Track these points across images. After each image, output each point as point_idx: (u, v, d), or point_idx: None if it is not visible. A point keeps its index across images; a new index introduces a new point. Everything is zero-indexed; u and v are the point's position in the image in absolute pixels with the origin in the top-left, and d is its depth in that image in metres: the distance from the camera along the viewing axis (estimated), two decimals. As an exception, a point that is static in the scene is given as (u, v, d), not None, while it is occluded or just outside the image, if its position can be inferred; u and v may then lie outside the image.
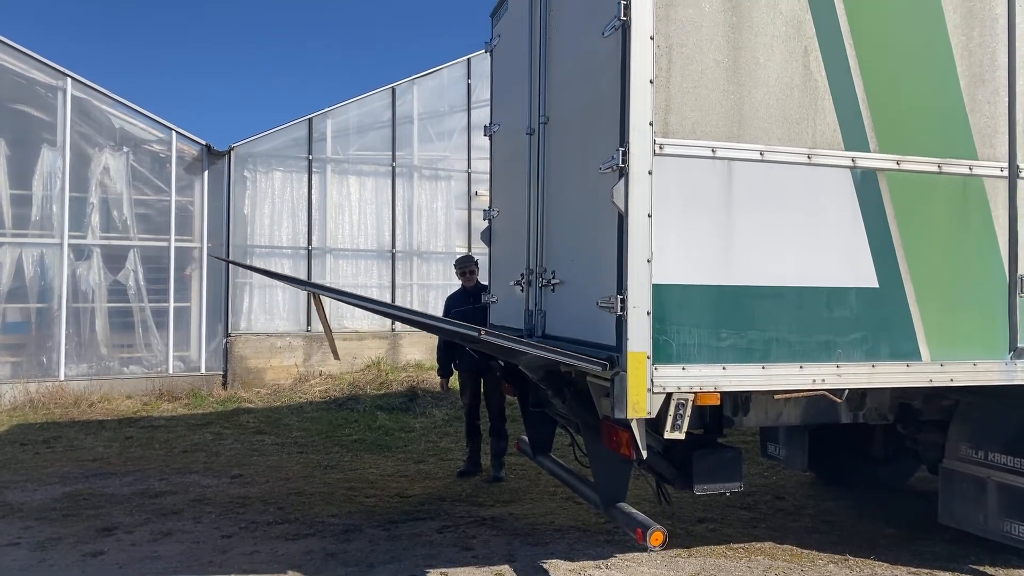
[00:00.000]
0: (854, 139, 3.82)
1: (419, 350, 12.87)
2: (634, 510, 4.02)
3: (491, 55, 6.10)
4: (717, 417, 4.10)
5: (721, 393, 3.69)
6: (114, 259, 11.34)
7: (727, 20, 3.66)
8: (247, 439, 8.52)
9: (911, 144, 3.91)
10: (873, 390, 4.24)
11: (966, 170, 3.98)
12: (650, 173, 3.48)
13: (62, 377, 10.85)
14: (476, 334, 3.64)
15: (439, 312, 7.97)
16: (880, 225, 3.84)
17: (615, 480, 4.23)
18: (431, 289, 13.36)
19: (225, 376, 11.82)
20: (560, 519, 5.53)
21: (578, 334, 4.03)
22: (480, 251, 6.60)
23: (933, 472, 5.05)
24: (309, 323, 12.42)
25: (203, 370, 11.74)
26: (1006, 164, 4.05)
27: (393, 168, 13.16)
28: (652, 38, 3.52)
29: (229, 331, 11.93)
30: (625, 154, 3.46)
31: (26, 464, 7.32)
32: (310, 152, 12.62)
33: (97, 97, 11.29)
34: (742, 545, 4.98)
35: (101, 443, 8.30)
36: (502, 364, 5.60)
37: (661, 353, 3.50)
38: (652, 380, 3.47)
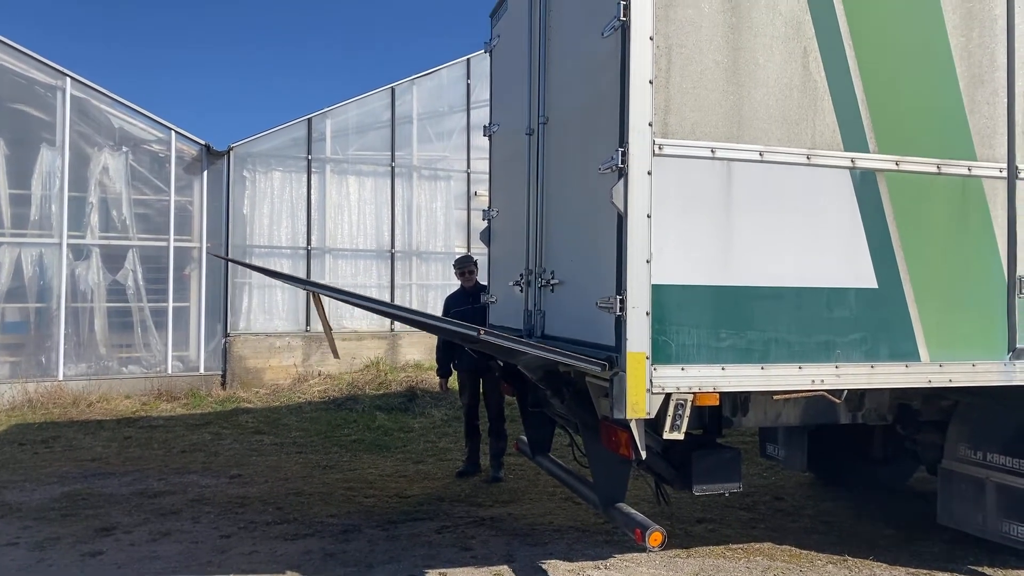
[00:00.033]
0: (853, 140, 3.83)
1: (418, 350, 12.87)
2: (633, 510, 4.02)
3: (490, 55, 6.10)
4: (716, 417, 4.10)
5: (720, 393, 3.69)
6: (113, 259, 11.34)
7: (726, 21, 3.66)
8: (246, 439, 8.52)
9: (910, 145, 3.91)
10: (872, 391, 4.24)
11: (965, 171, 3.99)
12: (649, 173, 3.49)
13: (61, 377, 10.85)
14: (475, 334, 3.64)
15: (438, 312, 7.97)
16: (879, 226, 3.84)
17: (614, 480, 4.23)
18: (430, 289, 13.36)
19: (224, 376, 11.82)
20: (559, 519, 5.53)
21: (577, 334, 4.03)
22: (479, 251, 6.60)
23: (932, 473, 5.05)
24: (308, 323, 12.42)
25: (202, 370, 11.74)
26: (1005, 165, 4.05)
27: (392, 168, 13.16)
28: (651, 38, 3.52)
29: (228, 331, 11.92)
30: (624, 154, 3.46)
31: (25, 464, 7.31)
32: (309, 152, 12.62)
33: (96, 97, 11.29)
34: (741, 546, 4.98)
35: (100, 443, 8.29)
36: (501, 364, 5.60)
37: (660, 353, 3.50)
38: (651, 380, 3.47)
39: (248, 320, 12.15)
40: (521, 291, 4.97)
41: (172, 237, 11.67)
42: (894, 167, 3.87)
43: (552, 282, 4.45)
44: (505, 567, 4.61)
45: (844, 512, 5.76)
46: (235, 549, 4.93)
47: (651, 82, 3.51)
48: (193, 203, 11.93)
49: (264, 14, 44.19)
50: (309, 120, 12.64)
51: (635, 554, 4.74)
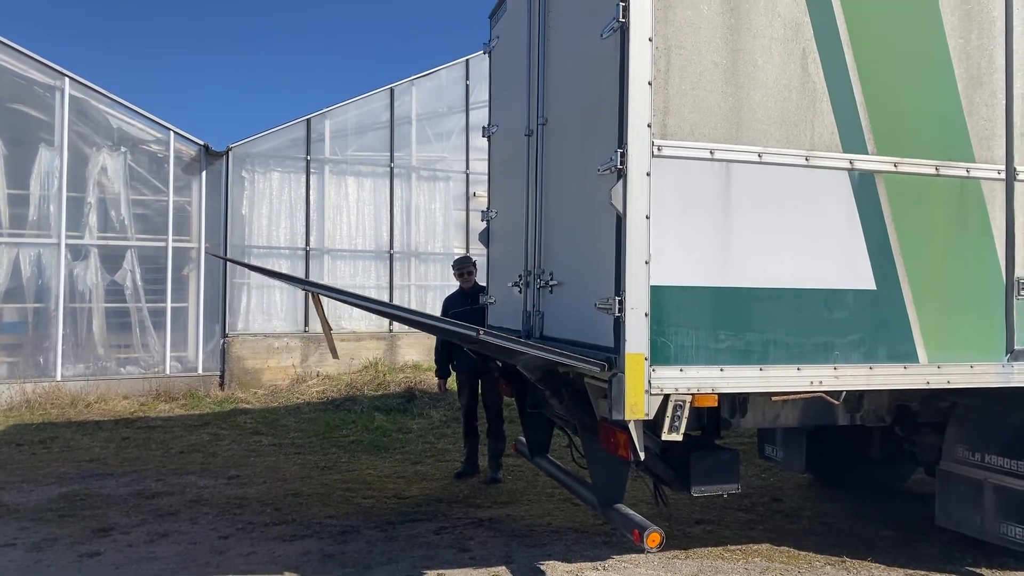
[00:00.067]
0: (852, 141, 3.83)
1: (417, 351, 12.87)
2: (631, 511, 4.02)
3: (490, 56, 6.10)
4: (715, 419, 4.10)
5: (719, 395, 3.69)
6: (111, 259, 11.33)
7: (725, 22, 3.66)
8: (244, 440, 8.51)
9: (909, 146, 3.91)
10: (870, 392, 4.24)
11: (963, 172, 3.99)
12: (648, 175, 3.49)
13: (59, 377, 10.84)
14: (475, 334, 3.64)
15: (437, 313, 7.96)
16: (878, 227, 3.85)
17: (612, 481, 4.23)
18: (429, 290, 13.35)
19: (222, 377, 11.81)
20: (558, 520, 5.53)
21: (576, 335, 4.03)
22: (478, 252, 6.60)
23: (930, 474, 5.05)
24: (307, 324, 12.42)
25: (200, 371, 11.73)
26: (1003, 167, 4.05)
27: (391, 169, 13.16)
28: (651, 40, 3.52)
29: (226, 331, 11.92)
30: (623, 156, 3.46)
31: (22, 465, 7.30)
32: (308, 152, 12.61)
33: (95, 97, 11.28)
34: (739, 547, 4.99)
35: (98, 444, 8.28)
36: (500, 365, 5.60)
37: (659, 354, 3.51)
38: (650, 381, 3.47)
39: (247, 321, 12.14)
40: (520, 292, 4.97)
41: (170, 237, 11.66)
42: (893, 169, 3.88)
43: (551, 283, 4.45)
44: (503, 568, 4.60)
45: (842, 513, 5.76)
46: (233, 550, 4.93)
47: (650, 83, 3.51)
48: (192, 203, 11.92)
49: (264, 14, 44.19)
50: (308, 121, 12.64)
51: (633, 555, 4.74)
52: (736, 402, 4.11)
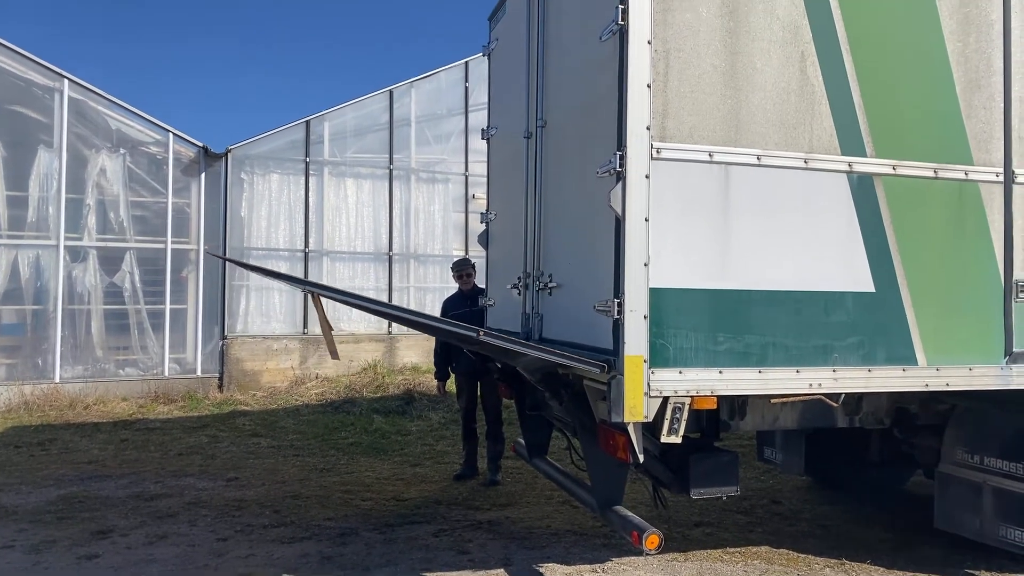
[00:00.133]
0: (850, 144, 3.83)
1: (416, 353, 12.86)
2: (630, 513, 4.02)
3: (489, 58, 6.11)
4: (714, 421, 4.10)
5: (718, 397, 3.69)
6: (110, 261, 11.32)
7: (724, 25, 3.67)
8: (243, 442, 8.51)
9: (907, 149, 3.92)
10: (869, 394, 4.24)
11: (962, 175, 4.00)
12: (647, 177, 3.49)
13: (57, 379, 10.83)
14: (475, 335, 3.65)
15: (436, 315, 7.96)
16: (876, 230, 3.85)
17: (611, 483, 4.23)
18: (428, 292, 13.36)
19: (221, 379, 11.80)
20: (556, 523, 5.52)
21: (575, 337, 4.03)
22: (477, 254, 6.60)
23: (929, 477, 5.05)
24: (306, 325, 12.41)
25: (199, 372, 11.72)
26: (1001, 169, 4.06)
27: (390, 171, 13.16)
28: (649, 42, 3.52)
29: (225, 333, 11.91)
30: (622, 158, 3.46)
31: (21, 467, 7.29)
32: (307, 154, 12.62)
33: (94, 99, 11.28)
34: (738, 549, 4.99)
35: (96, 446, 8.27)
36: (499, 367, 5.60)
37: (658, 357, 3.51)
38: (649, 384, 3.47)
39: (245, 322, 12.14)
40: (519, 294, 4.97)
41: (169, 239, 11.66)
42: (891, 171, 3.88)
43: (550, 285, 4.46)
44: (502, 570, 4.60)
45: (841, 516, 5.76)
46: (232, 552, 4.92)
47: (649, 86, 3.51)
48: (191, 205, 11.92)
49: (264, 14, 44.21)
50: (307, 122, 12.64)
51: (632, 557, 4.74)
52: (735, 404, 4.11)
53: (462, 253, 12.93)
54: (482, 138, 6.14)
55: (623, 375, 3.42)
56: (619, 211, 3.46)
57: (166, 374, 11.49)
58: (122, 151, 11.44)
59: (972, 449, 4.50)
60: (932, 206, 3.96)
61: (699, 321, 3.58)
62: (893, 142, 3.89)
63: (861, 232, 3.83)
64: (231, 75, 43.53)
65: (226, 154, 12.05)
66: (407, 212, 13.28)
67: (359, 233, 12.99)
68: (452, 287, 7.38)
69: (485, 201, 6.21)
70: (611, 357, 3.51)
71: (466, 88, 13.69)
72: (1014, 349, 4.05)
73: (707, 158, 3.61)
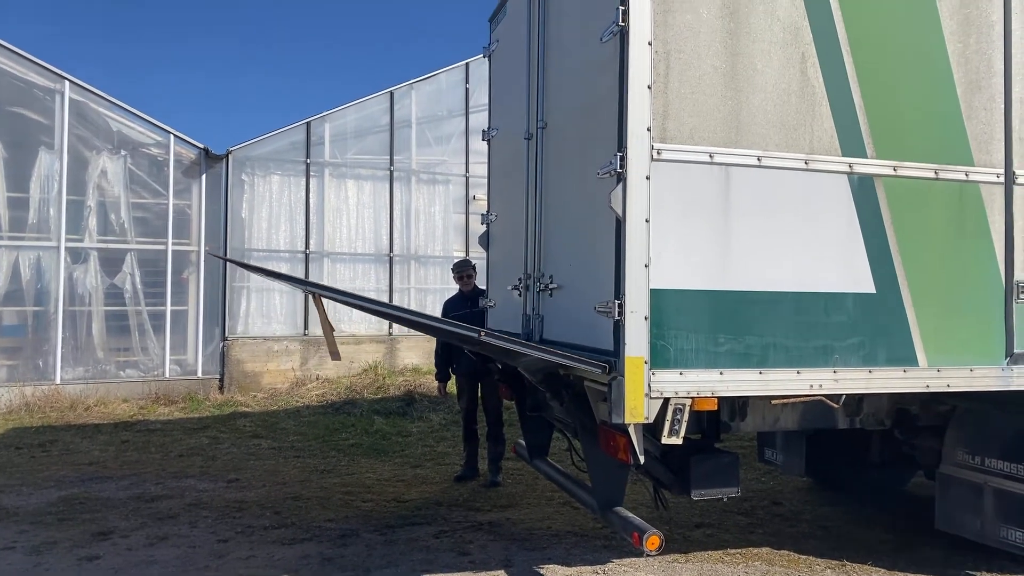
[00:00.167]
0: (851, 145, 3.84)
1: (416, 354, 12.86)
2: (631, 514, 4.02)
3: (489, 60, 6.11)
4: (714, 422, 4.10)
5: (718, 398, 3.69)
6: (111, 262, 11.33)
7: (725, 26, 3.67)
8: (244, 443, 8.51)
9: (908, 150, 3.92)
10: (870, 395, 4.24)
11: (962, 176, 4.00)
12: (648, 178, 3.49)
13: (58, 380, 10.83)
14: (476, 335, 3.65)
15: (437, 316, 7.96)
16: (877, 231, 3.85)
17: (612, 484, 4.23)
18: (428, 293, 13.36)
19: (222, 380, 11.80)
20: (557, 524, 5.52)
21: (576, 339, 4.03)
22: (478, 255, 6.61)
23: (930, 478, 5.05)
24: (306, 327, 12.42)
25: (200, 374, 11.73)
26: (1002, 170, 4.06)
27: (391, 172, 13.17)
28: (650, 44, 3.53)
29: (226, 335, 11.91)
30: (623, 159, 3.47)
31: (22, 468, 7.29)
32: (308, 156, 12.63)
33: (95, 100, 11.29)
34: (739, 550, 4.98)
35: (97, 447, 8.28)
36: (500, 368, 5.60)
37: (659, 358, 3.51)
38: (649, 385, 3.47)
39: (246, 324, 12.14)
40: (519, 295, 4.97)
41: (170, 241, 11.66)
42: (892, 172, 3.88)
43: (551, 286, 4.46)
44: (503, 572, 4.60)
45: (842, 517, 5.76)
46: (232, 554, 4.92)
47: (650, 87, 3.52)
48: (191, 207, 11.93)
49: (263, 13, 44.23)
50: (308, 124, 12.65)
51: (633, 559, 4.73)
52: (736, 406, 4.11)
53: (463, 254, 12.93)
54: (483, 139, 6.14)
55: (624, 376, 3.42)
56: (620, 212, 3.46)
57: (167, 375, 11.50)
58: (123, 152, 11.45)
59: (973, 450, 4.50)
60: (933, 207, 3.96)
61: (700, 322, 3.58)
62: (894, 143, 3.90)
63: (862, 233, 3.83)
64: (231, 75, 43.55)
65: (227, 155, 12.06)
66: (408, 213, 13.29)
67: (360, 234, 13.00)
68: (453, 288, 7.38)
69: (486, 202, 6.21)
70: (612, 358, 3.51)
71: (467, 89, 13.70)
72: (1015, 350, 4.04)
73: (708, 159, 3.62)
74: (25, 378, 10.69)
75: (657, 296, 3.49)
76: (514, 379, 5.37)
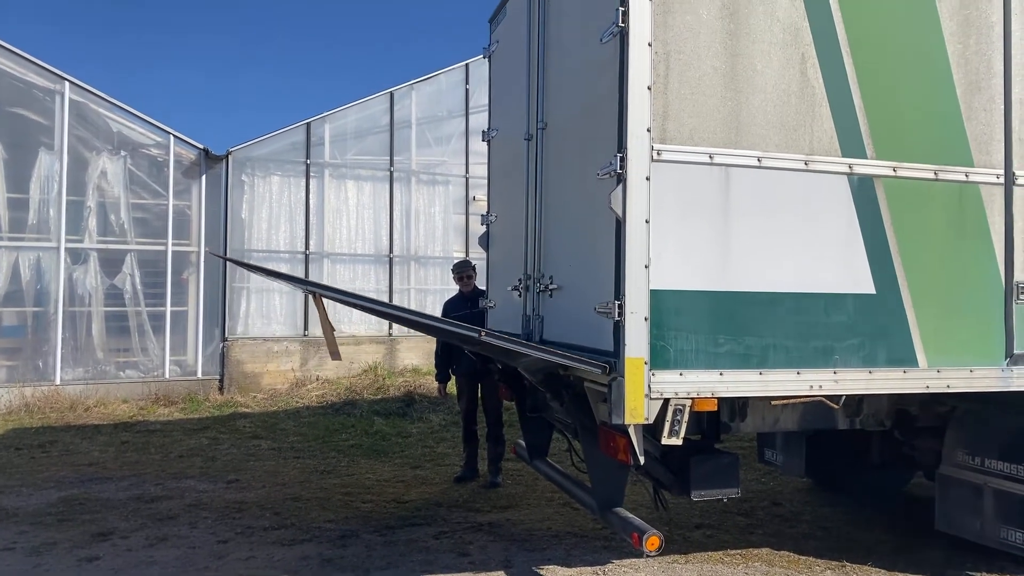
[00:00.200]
0: (851, 146, 3.84)
1: (416, 355, 12.87)
2: (630, 515, 4.02)
3: (489, 61, 6.11)
4: (714, 423, 4.10)
5: (718, 399, 3.70)
6: (111, 263, 11.33)
7: (725, 27, 3.67)
8: (243, 444, 8.50)
9: (908, 151, 3.92)
10: (870, 396, 4.24)
11: (962, 177, 4.00)
12: (648, 179, 3.49)
13: (58, 381, 10.83)
14: (476, 335, 3.65)
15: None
16: (877, 232, 3.85)
17: (612, 485, 4.23)
18: (428, 294, 13.36)
19: (222, 381, 11.80)
20: (557, 524, 5.52)
21: (576, 339, 4.03)
22: (478, 256, 6.61)
23: (930, 479, 5.05)
24: (306, 328, 12.41)
25: (200, 375, 11.73)
26: (1002, 171, 4.06)
27: (391, 173, 13.17)
28: (650, 45, 3.53)
29: (226, 335, 11.91)
30: (623, 160, 3.47)
31: (21, 469, 7.29)
32: (308, 156, 12.63)
33: (95, 101, 11.30)
34: (739, 551, 4.98)
35: (97, 448, 8.28)
36: (500, 368, 5.60)
37: (659, 359, 3.51)
38: (649, 386, 3.47)
39: (246, 324, 12.14)
40: (519, 296, 4.97)
41: (170, 241, 11.66)
42: (892, 173, 3.89)
43: (551, 287, 4.46)
44: (502, 573, 4.60)
45: (842, 518, 5.76)
46: (232, 554, 4.92)
47: (649, 88, 3.52)
48: (191, 207, 11.93)
49: (263, 14, 44.24)
50: (308, 124, 12.66)
51: (633, 560, 4.73)
52: (736, 406, 4.11)
53: (463, 255, 12.94)
54: (483, 140, 6.14)
55: (624, 377, 3.42)
56: (620, 213, 3.46)
57: (167, 376, 11.49)
58: (123, 153, 11.45)
59: (973, 451, 4.50)
60: (932, 208, 3.96)
61: (700, 323, 3.58)
62: (893, 144, 3.90)
63: (862, 234, 3.83)
64: (231, 75, 43.53)
65: (227, 156, 12.06)
66: (407, 214, 13.29)
67: (359, 235, 13.00)
68: (453, 289, 7.38)
69: (486, 203, 6.22)
70: (612, 359, 3.51)
71: (467, 90, 13.71)
72: (1015, 351, 4.04)
73: (707, 160, 3.62)
74: (25, 379, 10.68)
75: (657, 297, 3.50)
76: (514, 380, 5.37)
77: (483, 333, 3.67)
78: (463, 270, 7.05)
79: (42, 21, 38.21)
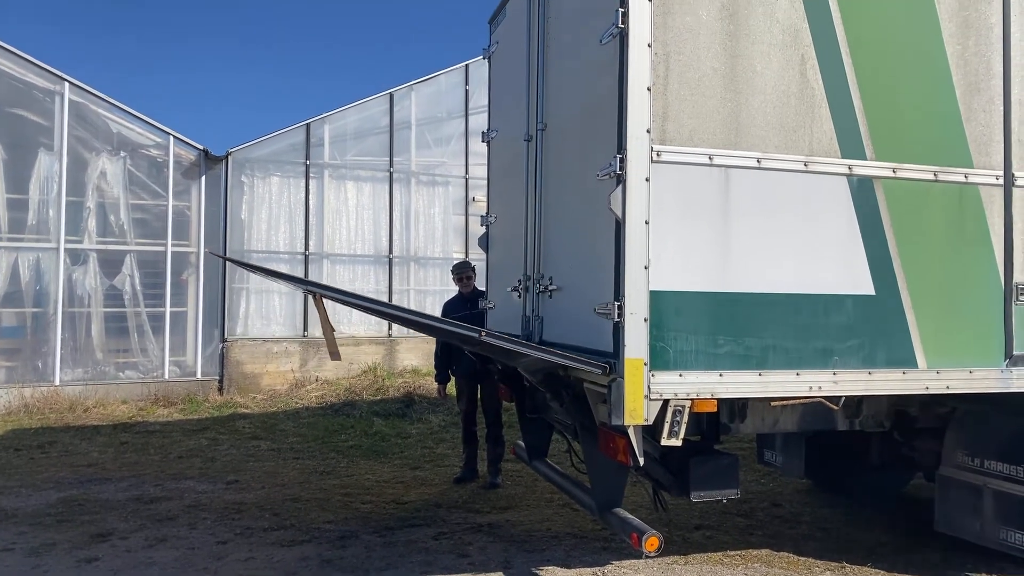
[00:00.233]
0: (850, 147, 3.84)
1: (416, 356, 12.86)
2: (630, 515, 4.02)
3: (489, 61, 6.12)
4: (714, 424, 4.10)
5: (718, 400, 3.70)
6: (110, 264, 11.33)
7: (724, 28, 3.68)
8: (243, 445, 8.50)
9: (907, 152, 3.93)
10: (869, 397, 4.24)
11: (962, 178, 4.00)
12: (647, 180, 3.50)
13: (57, 382, 10.82)
14: (477, 335, 3.65)
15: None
16: (876, 233, 3.86)
17: (611, 486, 4.23)
18: (428, 295, 13.36)
19: (221, 381, 11.80)
20: (556, 525, 5.52)
21: (575, 340, 4.03)
22: (477, 257, 6.61)
23: (929, 480, 5.05)
24: (306, 328, 12.41)
25: (199, 375, 11.72)
26: (1001, 172, 4.07)
27: (391, 174, 13.18)
28: (650, 46, 3.53)
29: (225, 336, 11.91)
30: (623, 161, 3.47)
31: (20, 469, 7.29)
32: (308, 157, 12.63)
33: (94, 102, 11.30)
34: (739, 552, 4.98)
35: (96, 448, 8.27)
36: (499, 368, 5.60)
37: (658, 360, 3.51)
38: (649, 387, 3.47)
39: (246, 325, 12.14)
40: (519, 297, 4.97)
41: (170, 242, 11.66)
42: (891, 174, 3.89)
43: (550, 288, 4.46)
44: (502, 574, 4.60)
45: (841, 519, 5.76)
46: (232, 555, 4.92)
47: (649, 89, 3.52)
48: (191, 208, 11.93)
49: (263, 14, 44.23)
50: (307, 125, 12.66)
51: (632, 560, 4.73)
52: (735, 407, 4.11)
53: (462, 256, 12.94)
54: (482, 141, 6.15)
55: (623, 378, 3.42)
56: (619, 214, 3.46)
57: (166, 377, 11.49)
58: (122, 154, 11.45)
59: (972, 452, 4.50)
60: (932, 209, 3.96)
61: (699, 324, 3.59)
62: (893, 145, 3.90)
63: (861, 235, 3.83)
64: (231, 75, 43.51)
65: (226, 157, 12.06)
66: (407, 215, 13.29)
67: (359, 236, 13.00)
68: (452, 290, 7.38)
69: (485, 204, 6.22)
70: (611, 360, 3.51)
71: (466, 91, 13.71)
72: (1014, 352, 4.05)
73: (707, 161, 3.62)
74: (24, 379, 10.68)
75: (657, 298, 3.50)
76: (514, 381, 5.37)
77: (483, 333, 3.67)
78: (463, 271, 7.05)
79: (42, 21, 38.18)
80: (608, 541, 5.12)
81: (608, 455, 3.93)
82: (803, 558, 4.87)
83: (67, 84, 11.05)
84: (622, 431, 3.61)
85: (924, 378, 3.92)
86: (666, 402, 3.54)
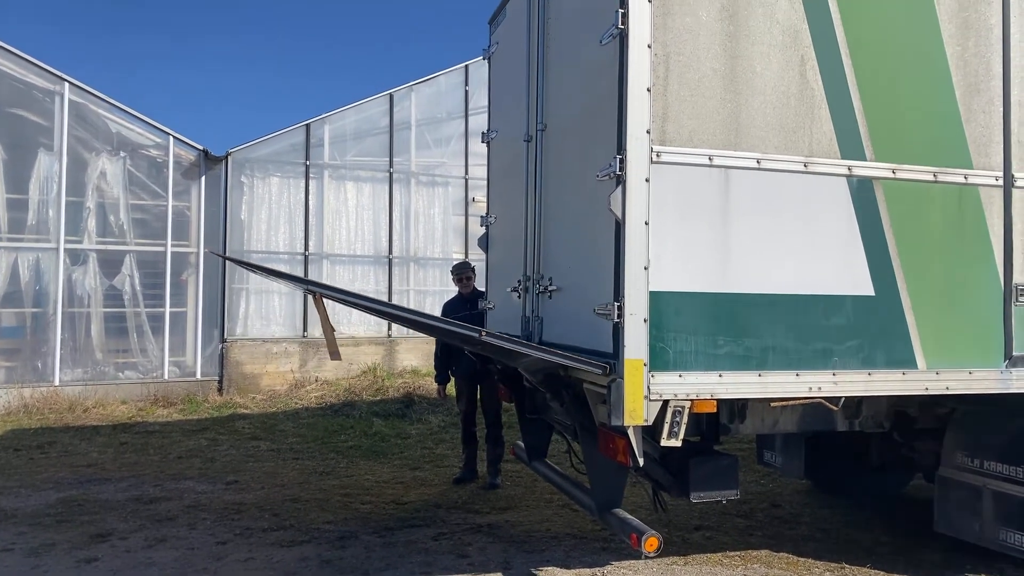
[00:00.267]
0: (850, 148, 3.84)
1: (415, 356, 12.86)
2: (629, 516, 4.02)
3: (489, 62, 6.12)
4: (714, 424, 4.11)
5: (718, 401, 3.70)
6: (110, 264, 11.33)
7: (724, 29, 3.68)
8: (242, 445, 8.50)
9: (907, 153, 3.93)
10: (869, 398, 4.24)
11: (961, 179, 4.00)
12: (647, 181, 3.50)
13: (57, 382, 10.82)
14: (477, 335, 3.66)
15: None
16: (876, 233, 3.86)
17: (611, 486, 4.23)
18: (428, 295, 13.36)
19: (221, 382, 11.79)
20: (556, 526, 5.52)
21: (575, 341, 4.03)
22: (477, 257, 6.61)
23: (929, 480, 5.05)
24: (305, 329, 12.41)
25: (199, 376, 11.72)
26: (1001, 173, 4.07)
27: (390, 174, 13.18)
28: (649, 46, 3.53)
29: (225, 336, 11.91)
30: (622, 162, 3.47)
31: (20, 470, 7.29)
32: (307, 158, 12.63)
33: (94, 102, 11.30)
34: (738, 553, 4.98)
35: (96, 449, 8.27)
36: (499, 369, 5.60)
37: (658, 360, 3.51)
38: (649, 387, 3.47)
39: (245, 326, 12.14)
40: (519, 297, 4.97)
41: (169, 242, 11.66)
42: (891, 175, 3.89)
43: (550, 288, 4.46)
44: (501, 574, 4.60)
45: (841, 519, 5.76)
46: (231, 556, 4.92)
47: (649, 90, 3.52)
48: (191, 208, 11.93)
49: (263, 14, 44.23)
50: (307, 126, 12.66)
51: (632, 561, 4.73)
52: (735, 408, 4.11)
53: (462, 256, 12.94)
54: (482, 141, 6.15)
55: (623, 378, 3.42)
56: (619, 215, 3.46)
57: (166, 377, 11.49)
58: (122, 154, 11.45)
59: (972, 453, 4.50)
60: (932, 210, 3.96)
61: (699, 325, 3.59)
62: (893, 146, 3.90)
63: (861, 235, 3.83)
64: (231, 75, 43.50)
65: (226, 157, 12.06)
66: (407, 215, 13.29)
67: (359, 236, 13.00)
68: (452, 290, 7.38)
69: (485, 204, 6.22)
70: (611, 360, 3.51)
71: (466, 91, 13.72)
72: (1014, 353, 4.05)
73: (707, 162, 3.62)
74: (24, 380, 10.68)
75: (656, 298, 3.50)
76: (513, 381, 5.37)
77: (483, 333, 3.67)
78: (462, 271, 7.06)
79: (42, 21, 38.17)
80: (607, 542, 5.12)
81: (608, 456, 3.93)
82: (803, 559, 4.88)
83: (67, 84, 11.06)
84: (622, 431, 3.61)
85: (924, 379, 3.92)
86: (666, 403, 3.54)
